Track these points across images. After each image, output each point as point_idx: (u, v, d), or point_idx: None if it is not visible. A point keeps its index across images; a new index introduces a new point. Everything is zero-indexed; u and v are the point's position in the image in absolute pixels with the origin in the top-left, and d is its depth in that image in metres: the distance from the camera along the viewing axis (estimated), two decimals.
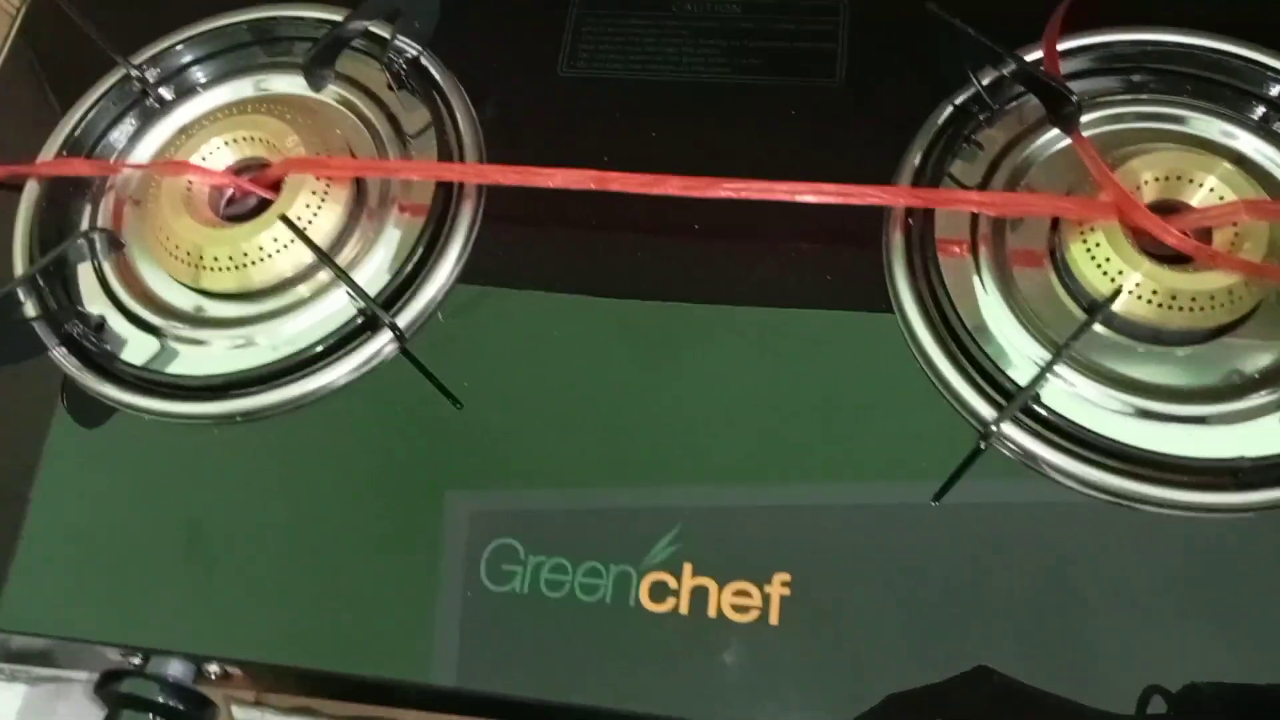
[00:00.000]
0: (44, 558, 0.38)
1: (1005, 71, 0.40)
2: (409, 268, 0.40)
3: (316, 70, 0.43)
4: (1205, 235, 0.37)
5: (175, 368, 0.41)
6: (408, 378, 0.40)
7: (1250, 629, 0.32)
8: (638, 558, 0.35)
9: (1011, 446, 0.35)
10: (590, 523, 0.36)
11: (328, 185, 0.42)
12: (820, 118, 0.43)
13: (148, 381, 0.41)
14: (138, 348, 0.42)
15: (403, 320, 0.39)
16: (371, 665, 0.36)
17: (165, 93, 0.46)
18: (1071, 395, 0.36)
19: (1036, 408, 0.35)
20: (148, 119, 0.46)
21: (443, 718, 0.38)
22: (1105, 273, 0.36)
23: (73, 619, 0.37)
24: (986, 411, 0.35)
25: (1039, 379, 0.35)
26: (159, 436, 0.40)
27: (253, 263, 0.41)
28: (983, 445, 0.35)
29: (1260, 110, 0.40)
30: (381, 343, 0.39)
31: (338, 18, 0.45)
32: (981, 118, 0.41)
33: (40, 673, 0.43)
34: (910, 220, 0.39)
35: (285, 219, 0.39)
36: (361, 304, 0.39)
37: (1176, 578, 0.33)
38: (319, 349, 0.39)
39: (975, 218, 0.39)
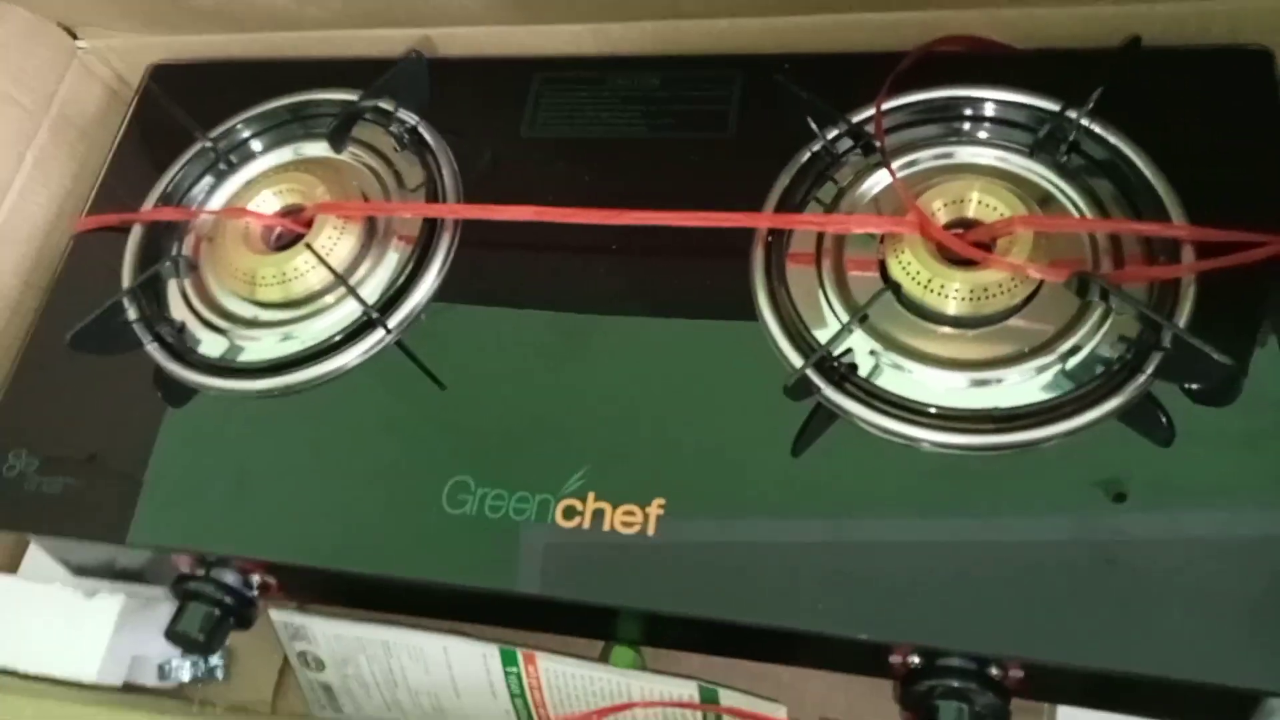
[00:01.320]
0: (149, 498, 0.53)
1: (839, 129, 0.52)
2: (400, 281, 0.54)
3: (337, 138, 0.58)
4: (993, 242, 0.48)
5: (234, 356, 0.56)
6: (400, 362, 0.53)
7: (999, 549, 0.43)
8: (556, 488, 0.48)
9: (829, 400, 0.46)
10: (523, 464, 0.49)
11: (345, 223, 0.56)
12: (714, 162, 0.55)
13: (215, 367, 0.55)
14: (209, 344, 0.56)
15: (394, 320, 0.53)
16: (368, 563, 0.49)
17: (231, 158, 0.62)
18: (889, 369, 0.47)
19: (849, 373, 0.47)
20: (218, 178, 0.62)
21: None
22: (909, 274, 0.47)
23: (162, 534, 0.52)
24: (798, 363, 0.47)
25: (837, 336, 0.47)
26: (224, 408, 0.54)
27: (291, 279, 0.55)
28: (789, 384, 0.46)
29: (1030, 139, 0.51)
30: (378, 337, 0.53)
31: (354, 98, 0.60)
32: (828, 161, 0.53)
33: (137, 588, 0.57)
34: (770, 239, 0.51)
35: (310, 247, 0.53)
36: (362, 309, 0.52)
37: (943, 503, 0.44)
38: (336, 339, 0.54)
39: (820, 236, 0.51)
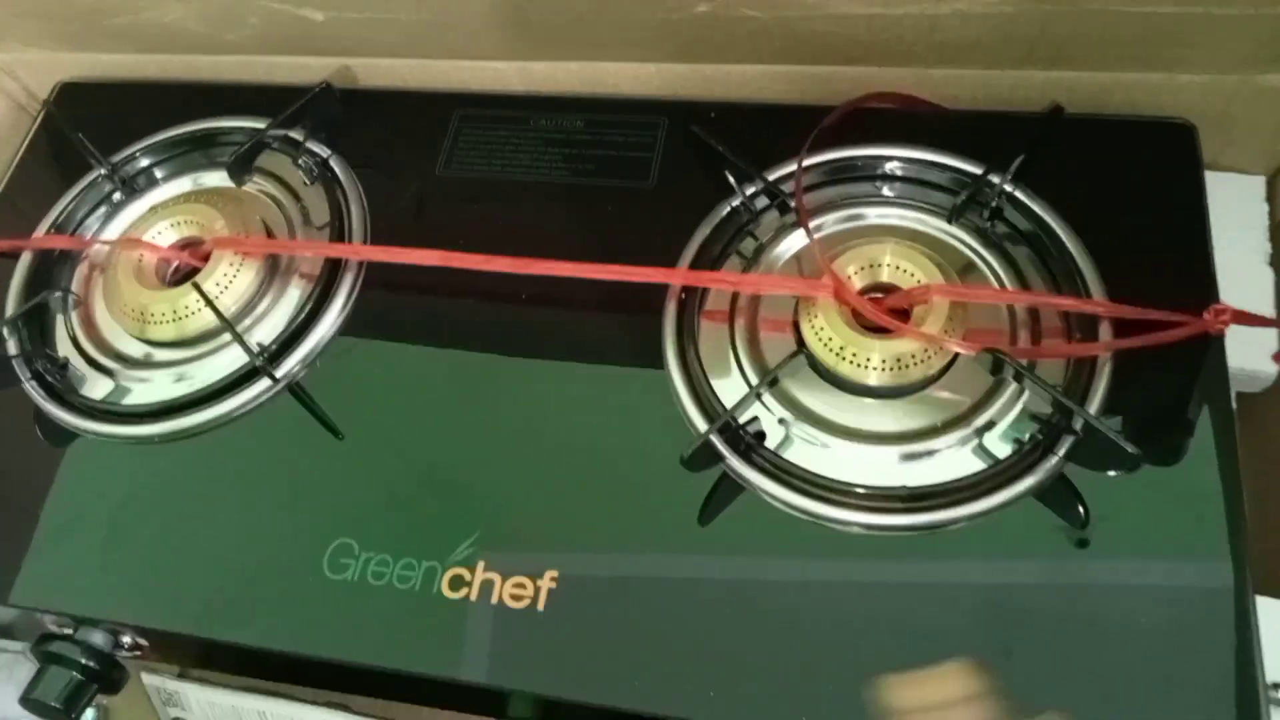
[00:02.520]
0: (15, 550, 0.49)
1: (757, 186, 0.50)
2: (299, 320, 0.52)
3: (239, 169, 0.55)
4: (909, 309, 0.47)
5: (119, 398, 0.52)
6: (292, 409, 0.50)
7: (903, 637, 0.41)
8: (443, 556, 0.45)
9: (734, 470, 0.44)
10: (411, 527, 0.46)
11: (243, 258, 0.53)
12: (633, 211, 0.53)
13: (96, 410, 0.52)
14: (93, 384, 0.53)
15: (289, 363, 0.50)
16: (241, 633, 0.46)
17: (130, 186, 0.59)
18: (800, 441, 0.45)
19: (755, 445, 0.45)
20: (115, 206, 0.59)
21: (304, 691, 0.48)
22: (822, 341, 0.46)
23: (25, 591, 0.48)
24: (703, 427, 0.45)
25: (743, 402, 0.44)
26: (103, 454, 0.51)
27: (184, 317, 0.52)
28: (686, 454, 0.44)
29: (950, 202, 0.50)
30: (267, 384, 0.50)
31: (263, 126, 0.57)
32: (746, 216, 0.51)
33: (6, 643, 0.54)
34: (684, 295, 0.49)
35: (198, 287, 0.51)
36: (247, 357, 0.50)
37: (848, 584, 0.42)
38: (225, 383, 0.51)
39: (735, 295, 0.49)
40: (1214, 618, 0.39)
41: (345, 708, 0.50)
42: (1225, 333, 0.43)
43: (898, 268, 0.47)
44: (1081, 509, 0.42)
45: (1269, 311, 0.49)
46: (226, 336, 0.52)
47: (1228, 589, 0.39)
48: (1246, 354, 0.48)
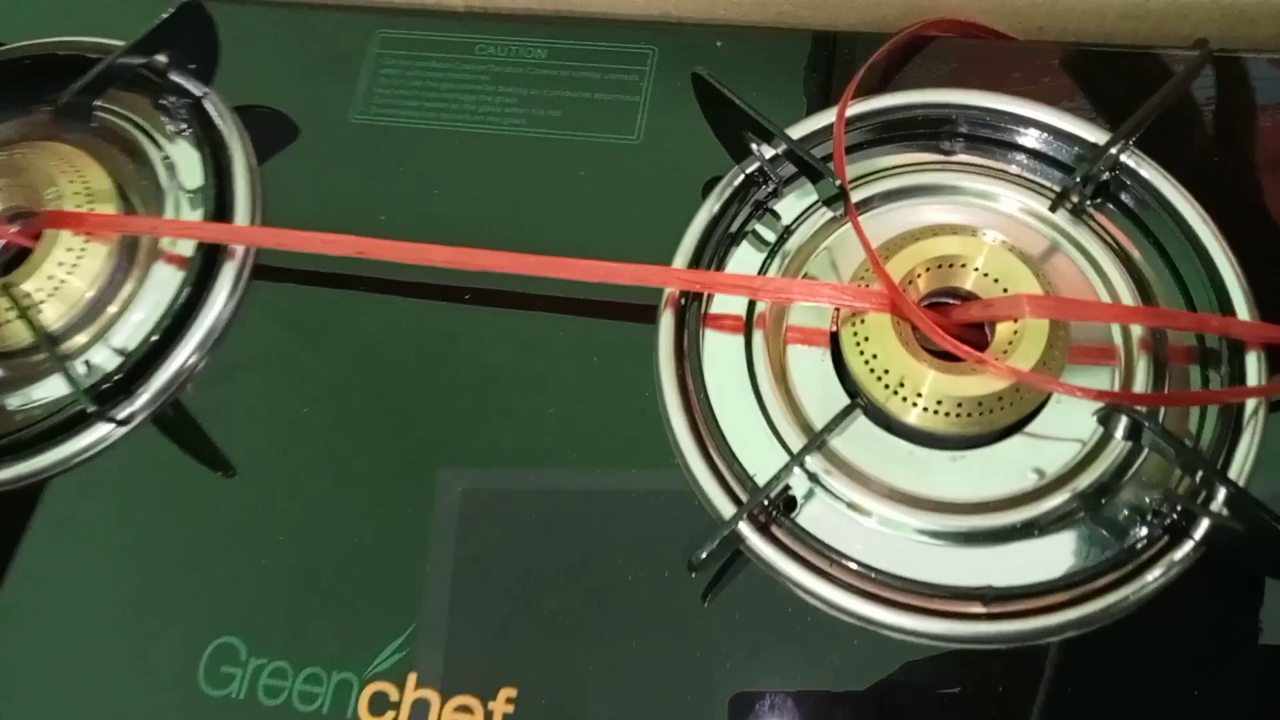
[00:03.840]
0: None
1: (777, 148, 0.37)
2: (163, 329, 0.38)
3: (78, 109, 0.41)
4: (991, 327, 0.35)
5: None
6: (153, 448, 0.37)
7: None
8: (362, 664, 0.34)
9: (757, 555, 0.33)
10: (317, 624, 0.34)
11: (86, 239, 0.40)
12: (613, 178, 0.40)
13: None
14: None
15: (149, 390, 0.37)
16: None
17: None
18: (825, 503, 0.33)
19: (781, 516, 0.33)
20: None
21: None
22: (871, 369, 0.33)
23: None
24: (727, 510, 0.33)
25: (781, 474, 0.33)
26: None
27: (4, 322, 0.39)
28: (697, 558, 0.31)
29: (1057, 181, 0.37)
30: (105, 430, 0.37)
31: (111, 48, 0.42)
32: (767, 187, 0.38)
33: None
34: (683, 299, 0.37)
35: (9, 292, 0.37)
36: (74, 393, 0.36)
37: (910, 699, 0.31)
38: (52, 423, 0.37)
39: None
40: None
41: None
42: None
43: (979, 270, 0.35)
44: (1217, 614, 0.31)
45: None
46: (45, 356, 0.38)
47: None
48: None
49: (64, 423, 0.37)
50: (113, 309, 0.40)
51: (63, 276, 0.39)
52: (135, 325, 0.39)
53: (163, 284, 0.40)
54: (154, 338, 0.38)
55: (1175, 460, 0.31)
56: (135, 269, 0.41)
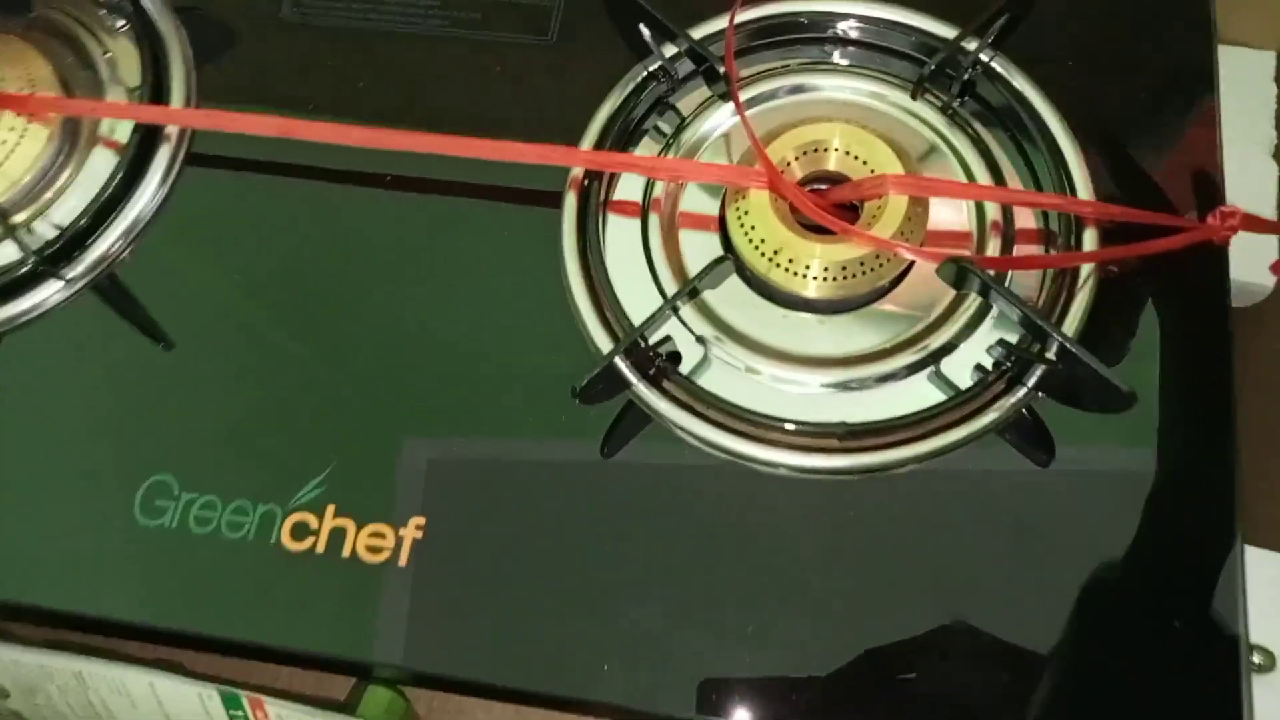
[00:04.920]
0: None
1: (680, 47, 0.40)
2: (101, 201, 0.41)
3: (15, 3, 0.43)
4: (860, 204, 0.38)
5: None
6: (94, 312, 0.40)
7: (831, 606, 0.34)
8: (284, 497, 0.37)
9: (640, 398, 0.36)
10: (244, 461, 0.37)
11: (27, 121, 0.42)
12: (527, 74, 0.43)
13: None
14: None
15: (88, 257, 0.40)
16: (40, 595, 0.37)
17: None
18: (719, 364, 0.37)
19: (668, 368, 0.36)
20: None
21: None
22: (752, 242, 0.37)
23: None
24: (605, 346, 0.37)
25: (654, 317, 0.36)
26: None
27: None
28: (580, 385, 0.35)
29: (914, 74, 0.41)
30: (58, 284, 0.40)
31: None
32: (667, 85, 0.41)
33: None
34: (586, 181, 0.40)
35: None
36: (22, 252, 0.39)
37: (774, 535, 0.35)
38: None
39: (650, 183, 0.40)
40: (1198, 570, 0.33)
41: (179, 666, 0.42)
42: (1230, 241, 0.37)
43: (848, 153, 0.38)
44: (1048, 448, 0.36)
45: (1270, 212, 0.42)
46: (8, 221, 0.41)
47: (1215, 538, 0.33)
48: (1239, 263, 0.42)
49: (10, 284, 0.40)
50: (49, 193, 0.42)
51: (3, 157, 0.42)
52: (73, 205, 0.42)
53: (100, 168, 0.43)
54: (95, 208, 0.40)
55: (1016, 316, 0.35)
56: (75, 154, 0.43)
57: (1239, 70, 0.43)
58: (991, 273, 0.36)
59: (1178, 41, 0.40)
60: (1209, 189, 0.37)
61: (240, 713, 0.40)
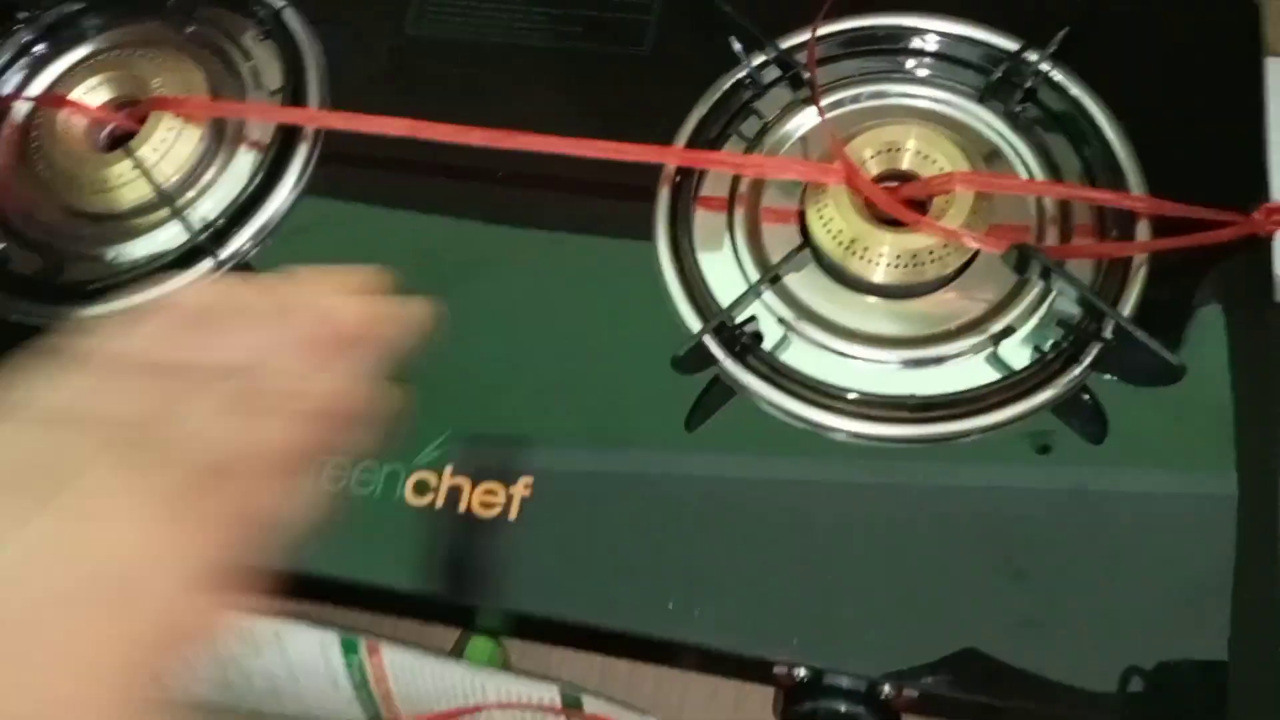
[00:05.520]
0: None
1: (767, 56, 0.44)
2: (248, 194, 0.46)
3: (177, 18, 0.49)
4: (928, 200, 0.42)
5: (49, 278, 0.47)
6: None
7: (902, 557, 0.37)
8: (408, 458, 0.41)
9: (727, 373, 0.40)
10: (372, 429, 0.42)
11: (183, 122, 0.48)
12: (625, 82, 0.48)
13: (25, 288, 0.47)
14: (18, 261, 0.48)
15: (235, 243, 0.45)
16: None
17: (53, 36, 0.52)
18: (799, 342, 0.41)
19: (752, 344, 0.40)
20: (37, 60, 0.52)
21: None
22: (830, 232, 0.41)
23: None
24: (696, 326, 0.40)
25: (741, 300, 0.40)
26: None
27: (116, 187, 0.47)
28: (680, 353, 0.39)
29: (981, 82, 0.44)
30: (210, 264, 0.45)
31: None
32: (752, 91, 0.45)
33: None
34: (679, 178, 0.44)
35: (131, 154, 0.45)
36: (189, 233, 0.45)
37: (847, 498, 0.39)
38: (164, 262, 0.45)
39: (735, 179, 0.44)
40: (1243, 544, 0.36)
41: (302, 617, 0.47)
42: (1275, 235, 0.39)
43: (919, 153, 0.42)
44: (1102, 423, 0.39)
45: None
46: (165, 211, 0.47)
47: (1260, 515, 0.36)
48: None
49: (174, 262, 0.45)
50: (192, 191, 0.47)
51: (163, 152, 0.47)
52: (219, 198, 0.47)
53: (243, 167, 0.48)
54: (240, 201, 0.46)
55: (1074, 295, 0.38)
56: (221, 153, 0.49)
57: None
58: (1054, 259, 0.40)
59: (1228, 52, 0.43)
60: (1256, 187, 0.40)
61: (355, 657, 0.44)
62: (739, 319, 0.41)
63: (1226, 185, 0.40)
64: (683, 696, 0.49)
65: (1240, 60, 0.43)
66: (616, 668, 0.50)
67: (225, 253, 0.45)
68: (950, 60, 0.45)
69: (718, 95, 0.46)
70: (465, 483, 0.41)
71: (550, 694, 0.42)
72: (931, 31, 0.45)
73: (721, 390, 0.41)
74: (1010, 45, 0.44)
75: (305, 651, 0.44)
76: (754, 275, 0.42)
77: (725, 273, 0.43)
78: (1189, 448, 0.38)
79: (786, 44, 0.45)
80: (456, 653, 0.46)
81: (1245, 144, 0.41)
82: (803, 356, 0.41)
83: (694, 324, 0.41)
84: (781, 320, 0.41)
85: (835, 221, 0.41)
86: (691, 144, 0.45)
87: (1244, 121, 0.42)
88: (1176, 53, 0.44)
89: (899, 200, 0.41)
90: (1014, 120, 0.44)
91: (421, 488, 0.41)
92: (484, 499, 0.40)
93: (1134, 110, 0.42)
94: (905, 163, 0.42)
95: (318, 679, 0.44)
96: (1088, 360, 0.38)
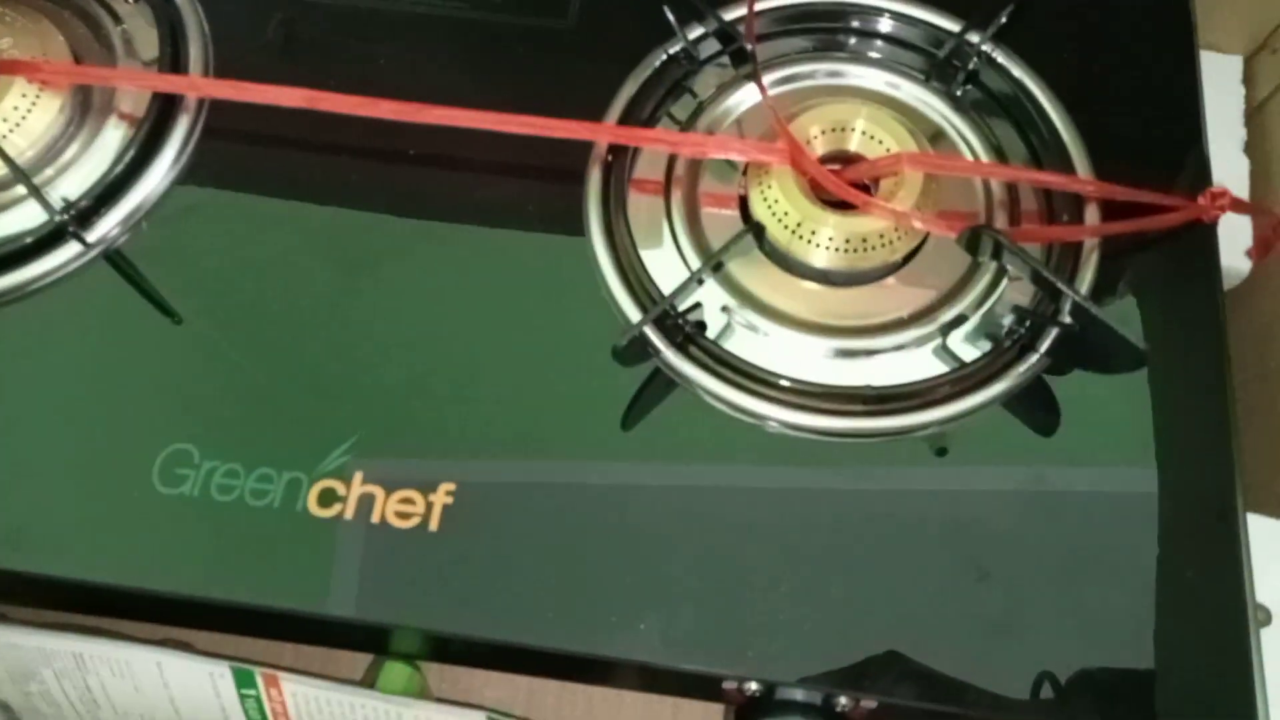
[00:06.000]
0: None
1: (706, 28, 0.42)
2: (117, 172, 0.40)
3: None
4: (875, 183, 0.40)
5: None
6: (109, 282, 0.40)
7: (856, 561, 0.35)
8: (310, 464, 0.36)
9: (668, 365, 0.37)
10: (268, 430, 0.37)
11: (40, 89, 0.42)
12: (547, 56, 0.44)
13: None
14: None
15: (101, 227, 0.40)
16: (53, 565, 0.36)
17: None
18: (742, 330, 0.38)
19: (695, 334, 0.38)
20: None
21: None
22: (775, 215, 0.39)
23: None
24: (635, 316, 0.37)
25: (683, 288, 0.37)
26: None
27: None
28: (620, 345, 0.36)
29: (925, 64, 0.43)
30: (76, 249, 0.39)
31: None
32: (687, 67, 0.43)
33: None
34: (610, 157, 0.41)
35: None
36: (48, 213, 0.39)
37: (799, 495, 0.36)
38: (22, 244, 0.39)
39: (671, 161, 0.41)
40: (1202, 534, 0.35)
41: (187, 646, 0.41)
42: (1219, 220, 0.39)
43: (866, 134, 0.40)
44: (1056, 414, 0.37)
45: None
46: (20, 188, 0.41)
47: (1218, 503, 0.35)
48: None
49: (33, 245, 0.39)
50: (50, 169, 0.41)
51: (16, 122, 0.41)
52: (84, 175, 0.41)
53: (112, 141, 0.42)
54: (109, 179, 0.40)
55: (1028, 273, 0.37)
56: (86, 126, 0.43)
57: (1212, 73, 0.46)
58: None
59: (1162, 42, 0.43)
60: (1198, 173, 0.40)
61: (253, 691, 0.39)
62: (681, 307, 0.38)
63: (1170, 170, 0.40)
64: (617, 713, 0.46)
65: (1176, 47, 0.42)
66: (545, 690, 0.46)
67: (93, 236, 0.39)
68: (894, 41, 0.43)
69: (649, 73, 0.43)
70: (378, 491, 0.36)
71: None
72: (874, 9, 0.43)
73: (662, 384, 0.38)
74: (953, 26, 0.42)
75: (192, 686, 0.38)
76: (695, 262, 0.39)
77: (664, 259, 0.39)
78: (1143, 438, 0.37)
79: (728, 15, 0.42)
80: (368, 682, 0.41)
81: (1185, 130, 0.41)
82: (747, 345, 0.38)
83: (633, 314, 0.38)
84: (724, 308, 0.39)
85: (780, 204, 0.38)
86: (623, 122, 0.42)
87: (1182, 107, 0.41)
88: (1118, 36, 0.43)
89: (847, 181, 0.39)
90: (958, 103, 0.42)
91: (327, 497, 0.36)
92: (400, 508, 0.36)
93: (1077, 93, 0.41)
94: (852, 144, 0.40)
95: (207, 716, 0.39)
96: (1043, 347, 0.37)
